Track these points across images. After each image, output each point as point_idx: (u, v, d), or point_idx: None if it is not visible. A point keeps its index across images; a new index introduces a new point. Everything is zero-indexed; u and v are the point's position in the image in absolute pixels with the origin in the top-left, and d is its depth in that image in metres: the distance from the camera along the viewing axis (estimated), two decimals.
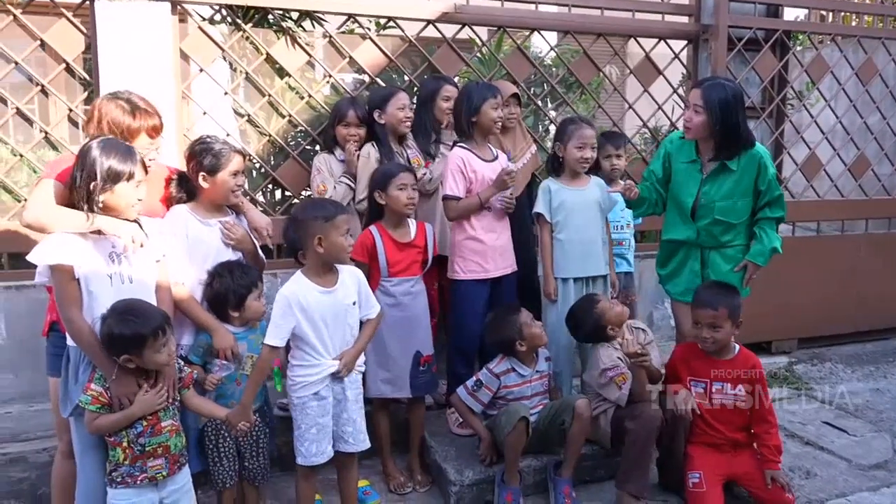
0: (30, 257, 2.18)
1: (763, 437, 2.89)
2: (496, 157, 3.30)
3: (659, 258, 3.39)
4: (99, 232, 2.19)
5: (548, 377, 3.11)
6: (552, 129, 4.74)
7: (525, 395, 3.02)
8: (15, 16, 3.12)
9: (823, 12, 5.30)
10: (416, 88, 3.93)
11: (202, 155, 2.56)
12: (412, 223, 3.04)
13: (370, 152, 3.28)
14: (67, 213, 2.18)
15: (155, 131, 2.47)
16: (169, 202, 2.64)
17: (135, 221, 2.30)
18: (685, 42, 4.46)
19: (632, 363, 2.88)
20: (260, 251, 2.77)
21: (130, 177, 2.17)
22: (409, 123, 3.35)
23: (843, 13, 5.16)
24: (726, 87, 3.01)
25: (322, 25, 3.73)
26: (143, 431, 2.21)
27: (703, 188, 3.10)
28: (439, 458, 3.09)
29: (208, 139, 2.63)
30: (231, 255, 2.65)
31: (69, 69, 3.28)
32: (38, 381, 3.11)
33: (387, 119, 3.31)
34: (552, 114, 4.75)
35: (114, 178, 2.15)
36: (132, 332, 2.12)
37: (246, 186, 3.57)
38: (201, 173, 2.57)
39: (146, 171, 2.28)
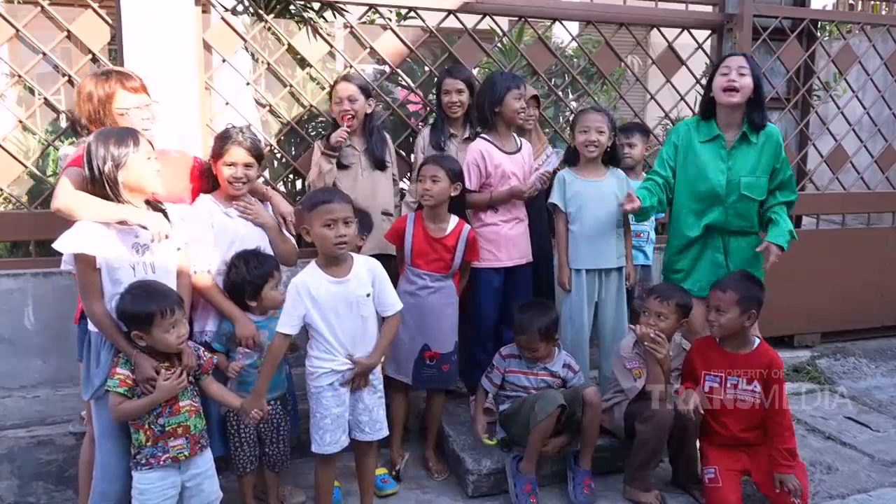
0: (55, 245, 2.23)
1: (776, 440, 2.79)
2: (519, 149, 3.31)
3: (670, 261, 3.28)
4: (124, 222, 2.24)
5: (561, 381, 3.04)
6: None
7: (521, 385, 3.02)
8: (42, 7, 3.17)
9: (852, 0, 5.20)
10: (436, 79, 3.92)
11: (215, 141, 2.66)
12: (453, 221, 3.02)
13: (315, 146, 3.28)
14: (94, 200, 2.23)
15: (134, 90, 2.48)
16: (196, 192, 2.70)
17: (161, 210, 2.35)
18: (709, 32, 4.40)
19: (645, 347, 2.87)
20: (286, 231, 2.80)
21: (136, 150, 2.23)
22: (349, 117, 3.15)
23: (872, 1, 5.05)
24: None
25: (343, 16, 3.73)
26: (162, 412, 2.26)
27: (729, 163, 3.08)
28: (457, 447, 3.11)
29: (228, 127, 2.68)
30: (257, 243, 2.67)
31: (94, 59, 3.32)
32: (64, 366, 3.20)
33: (334, 110, 3.25)
34: (573, 104, 4.72)
35: (122, 154, 2.20)
36: (142, 308, 2.18)
37: (267, 176, 3.62)
38: (211, 159, 2.66)
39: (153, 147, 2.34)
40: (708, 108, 3.13)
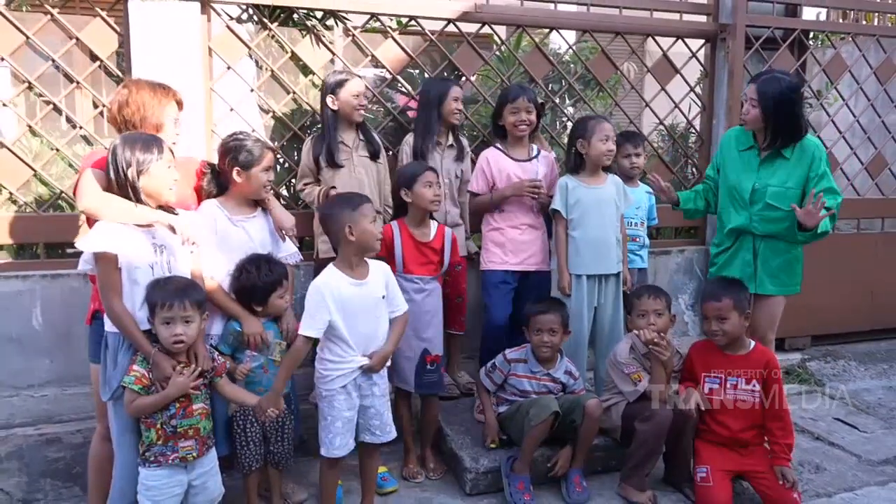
0: (77, 244, 2.31)
1: (776, 434, 2.92)
2: (534, 157, 3.43)
3: (712, 255, 3.48)
4: (148, 224, 2.32)
5: (561, 387, 3.13)
6: (570, 125, 4.80)
7: (523, 388, 3.10)
8: (53, 15, 3.24)
9: (845, 8, 5.28)
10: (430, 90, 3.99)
11: (238, 151, 2.67)
12: (433, 225, 3.12)
13: (305, 148, 3.36)
14: (122, 202, 2.30)
15: (181, 104, 2.61)
16: (199, 193, 2.75)
17: (172, 213, 2.43)
18: (703, 41, 4.49)
19: (649, 350, 2.96)
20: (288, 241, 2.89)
21: (160, 157, 2.31)
22: (363, 112, 3.30)
23: (863, 11, 5.15)
24: (781, 80, 3.13)
25: (346, 24, 3.81)
26: (176, 413, 2.33)
27: (759, 172, 3.22)
28: (455, 446, 3.18)
29: (241, 136, 2.74)
30: (256, 251, 2.73)
31: (102, 65, 3.39)
32: (72, 365, 3.26)
33: (340, 105, 3.27)
34: (570, 110, 4.80)
35: (146, 160, 2.29)
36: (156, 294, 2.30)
37: None
38: (236, 168, 2.67)
39: (173, 155, 2.42)
40: None
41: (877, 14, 5.29)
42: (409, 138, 3.51)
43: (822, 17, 5.52)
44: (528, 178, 3.34)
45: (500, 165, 3.31)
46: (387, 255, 3.03)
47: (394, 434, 2.73)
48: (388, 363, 2.73)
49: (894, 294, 4.94)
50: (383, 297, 2.61)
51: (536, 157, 3.44)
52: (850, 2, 5.03)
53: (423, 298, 3.05)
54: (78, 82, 3.35)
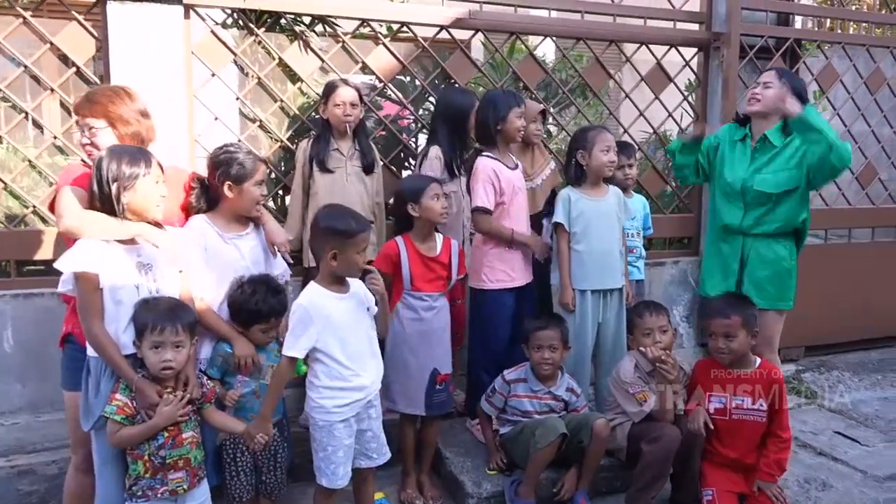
0: (57, 265, 2.14)
1: (769, 447, 2.86)
2: (517, 166, 3.32)
3: (703, 265, 3.49)
4: (132, 241, 2.18)
5: (564, 404, 3.03)
6: (553, 130, 4.72)
7: (524, 409, 2.99)
8: (25, 19, 3.06)
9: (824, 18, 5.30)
10: (427, 95, 3.89)
11: (229, 164, 2.52)
12: (439, 238, 2.98)
13: (301, 145, 3.30)
14: (103, 218, 2.16)
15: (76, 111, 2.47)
16: (188, 210, 2.59)
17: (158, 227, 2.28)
18: (696, 49, 4.45)
19: (654, 368, 2.88)
20: (281, 257, 2.74)
21: (147, 172, 2.18)
22: (351, 120, 3.20)
23: (840, 20, 5.17)
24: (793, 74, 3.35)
25: (335, 30, 3.68)
26: (164, 444, 2.18)
27: (751, 161, 3.22)
28: (455, 469, 3.06)
29: (232, 148, 2.59)
30: (248, 271, 2.58)
31: (79, 72, 3.21)
32: (45, 390, 3.08)
33: (327, 114, 3.22)
34: (551, 110, 4.70)
35: (132, 175, 2.15)
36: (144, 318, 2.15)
37: None
38: (227, 182, 2.52)
39: (162, 169, 2.27)
40: (746, 117, 3.30)
41: (852, 23, 5.32)
42: (437, 151, 3.30)
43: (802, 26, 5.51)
44: (546, 241, 3.37)
45: (504, 176, 3.18)
46: (393, 273, 2.90)
47: (389, 454, 2.61)
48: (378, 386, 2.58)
49: (885, 303, 4.93)
50: (368, 308, 2.50)
51: (517, 166, 3.34)
52: (839, 12, 5.04)
53: (432, 316, 2.92)
54: (52, 89, 3.17)
